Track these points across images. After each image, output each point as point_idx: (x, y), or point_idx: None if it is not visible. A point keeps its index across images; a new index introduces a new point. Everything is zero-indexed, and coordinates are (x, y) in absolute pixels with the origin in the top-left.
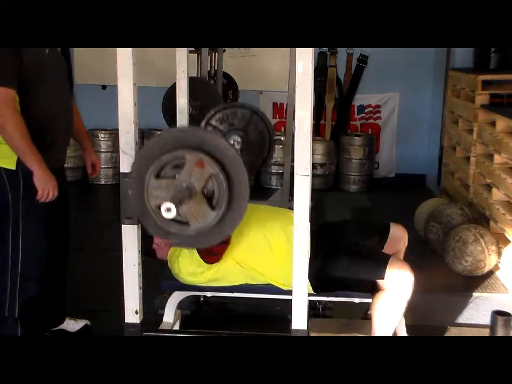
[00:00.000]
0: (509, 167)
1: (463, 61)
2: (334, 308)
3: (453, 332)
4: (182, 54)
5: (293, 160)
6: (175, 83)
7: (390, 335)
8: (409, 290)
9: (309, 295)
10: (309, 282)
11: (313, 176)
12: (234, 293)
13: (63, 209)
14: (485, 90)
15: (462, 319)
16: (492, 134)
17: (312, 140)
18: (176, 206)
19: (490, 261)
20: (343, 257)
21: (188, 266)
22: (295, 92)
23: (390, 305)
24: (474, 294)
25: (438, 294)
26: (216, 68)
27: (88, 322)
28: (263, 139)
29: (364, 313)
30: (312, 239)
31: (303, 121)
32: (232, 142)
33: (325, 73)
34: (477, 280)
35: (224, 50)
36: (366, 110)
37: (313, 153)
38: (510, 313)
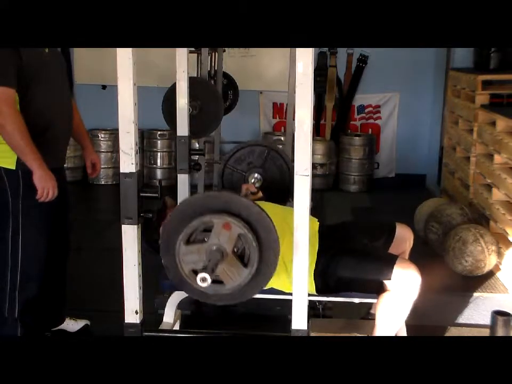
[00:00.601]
0: (509, 167)
1: (463, 61)
2: (334, 307)
3: (453, 332)
4: (182, 54)
5: (293, 160)
6: (175, 83)
7: (393, 335)
8: (415, 291)
9: (311, 295)
10: (315, 283)
11: (313, 176)
12: None
13: (63, 209)
14: (485, 90)
15: (462, 319)
16: (492, 134)
17: (312, 139)
18: (211, 273)
19: (490, 261)
20: (350, 258)
21: None
22: (295, 92)
23: (396, 306)
24: (475, 294)
25: (438, 294)
26: (216, 68)
27: (88, 322)
28: (282, 173)
29: (366, 313)
30: (320, 240)
31: (303, 121)
32: (252, 180)
33: (325, 73)
34: (477, 280)
35: (224, 50)
36: (366, 110)
37: (313, 153)
38: (510, 313)
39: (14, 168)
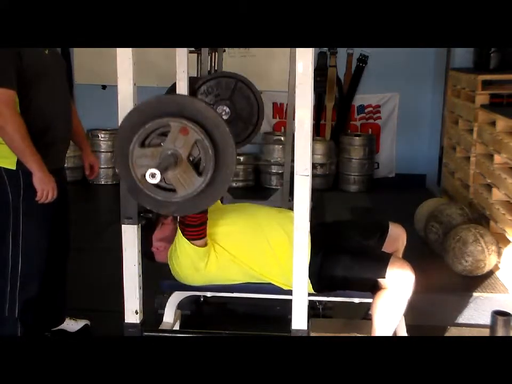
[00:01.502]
0: (509, 167)
1: (463, 61)
2: (334, 307)
3: (453, 332)
4: (182, 54)
5: (293, 160)
6: (175, 83)
7: (391, 334)
8: (410, 289)
9: (310, 294)
10: (310, 282)
11: (313, 176)
12: (234, 293)
13: (63, 209)
14: (485, 90)
15: (462, 319)
16: (492, 134)
17: (312, 139)
18: (162, 173)
19: (490, 261)
20: (344, 256)
21: (186, 266)
22: (295, 92)
23: (391, 304)
24: (474, 294)
25: (438, 294)
26: (216, 68)
27: (88, 322)
28: (251, 106)
29: (365, 313)
30: (313, 239)
31: (303, 121)
32: (220, 112)
33: (325, 73)
34: (477, 280)
35: (224, 50)
36: (366, 110)
37: (313, 153)
38: (510, 313)
39: (15, 169)
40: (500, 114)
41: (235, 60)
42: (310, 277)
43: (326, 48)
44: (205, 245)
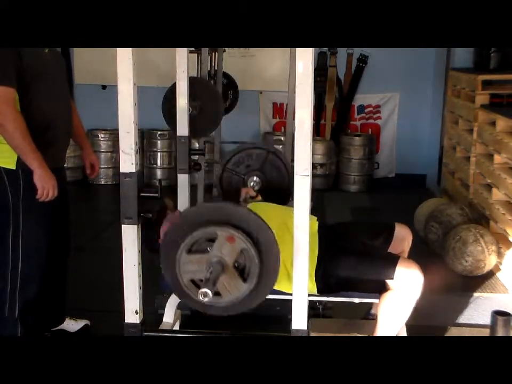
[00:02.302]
0: (509, 167)
1: (463, 61)
2: (334, 307)
3: (453, 331)
4: (182, 54)
5: (293, 160)
6: (175, 83)
7: (394, 335)
8: (419, 290)
9: (311, 295)
10: (315, 283)
11: (313, 176)
12: None
13: (63, 209)
14: (485, 90)
15: (462, 319)
16: (492, 134)
17: (312, 139)
18: (213, 285)
19: (490, 261)
20: (350, 258)
21: None
22: (295, 92)
23: (398, 306)
24: (475, 294)
25: (438, 294)
26: (216, 68)
27: (88, 322)
28: (281, 175)
29: (366, 313)
30: (320, 240)
31: (303, 121)
32: (251, 184)
33: (325, 73)
34: (477, 280)
35: (224, 50)
36: (366, 110)
37: (313, 153)
38: (510, 313)
39: (15, 168)
40: (499, 114)
41: (235, 59)
42: (316, 278)
43: (326, 48)
44: None
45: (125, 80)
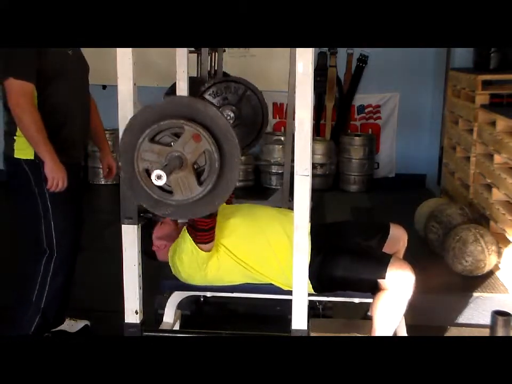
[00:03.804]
0: (509, 167)
1: (463, 61)
2: (334, 307)
3: (453, 332)
4: (182, 54)
5: (293, 160)
6: (175, 83)
7: (391, 335)
8: (410, 290)
9: (310, 295)
10: (310, 282)
11: (313, 176)
12: (234, 293)
13: (79, 206)
14: (485, 90)
15: (462, 319)
16: (492, 134)
17: (312, 139)
18: (167, 175)
19: (490, 261)
20: (344, 257)
21: (188, 266)
22: (295, 92)
23: (391, 305)
24: (475, 294)
25: (438, 294)
26: (216, 68)
27: (88, 322)
28: (256, 115)
29: (364, 313)
30: (314, 239)
31: (303, 121)
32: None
33: (325, 73)
34: (477, 280)
35: (224, 50)
36: (366, 110)
37: (313, 153)
38: (510, 313)
39: (33, 158)
40: (499, 114)
41: (235, 59)
42: (310, 278)
43: (326, 48)
44: (211, 249)
45: (125, 80)
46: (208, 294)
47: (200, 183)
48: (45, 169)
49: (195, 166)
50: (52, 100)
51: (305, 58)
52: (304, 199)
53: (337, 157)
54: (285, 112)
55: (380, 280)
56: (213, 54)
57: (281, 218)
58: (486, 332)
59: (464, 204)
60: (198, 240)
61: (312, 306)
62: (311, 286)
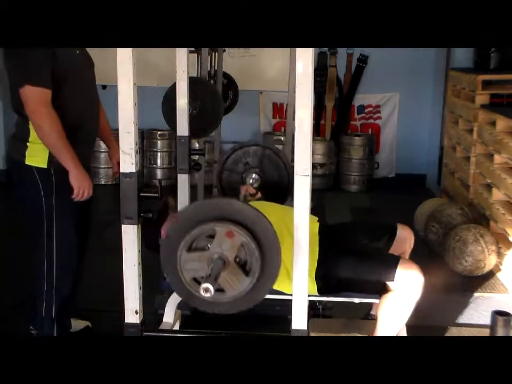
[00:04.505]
0: (509, 167)
1: (463, 61)
2: (334, 307)
3: (453, 331)
4: (182, 54)
5: (293, 160)
6: (175, 83)
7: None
8: (419, 291)
9: (311, 296)
10: (316, 284)
11: (313, 176)
12: None
13: (87, 210)
14: (485, 90)
15: (462, 319)
16: (492, 134)
17: (312, 140)
18: (215, 280)
19: (490, 261)
20: (351, 259)
21: None
22: (295, 92)
23: (399, 307)
24: (475, 294)
25: (439, 294)
26: (216, 68)
27: (89, 324)
28: (279, 172)
29: (366, 313)
30: (321, 240)
31: (303, 121)
32: (250, 181)
33: (325, 73)
34: (477, 280)
35: (224, 50)
36: (366, 110)
37: (313, 153)
38: (510, 313)
39: (46, 167)
40: (499, 114)
41: (235, 59)
42: (317, 279)
43: (326, 48)
44: None
45: (125, 80)
46: None
47: (246, 274)
48: (70, 178)
49: (237, 259)
50: (66, 103)
51: (305, 58)
52: (304, 199)
53: (337, 157)
54: (285, 112)
55: (388, 282)
56: (213, 54)
57: (286, 217)
58: (486, 332)
59: (464, 204)
60: None
61: (312, 306)
62: (316, 287)
